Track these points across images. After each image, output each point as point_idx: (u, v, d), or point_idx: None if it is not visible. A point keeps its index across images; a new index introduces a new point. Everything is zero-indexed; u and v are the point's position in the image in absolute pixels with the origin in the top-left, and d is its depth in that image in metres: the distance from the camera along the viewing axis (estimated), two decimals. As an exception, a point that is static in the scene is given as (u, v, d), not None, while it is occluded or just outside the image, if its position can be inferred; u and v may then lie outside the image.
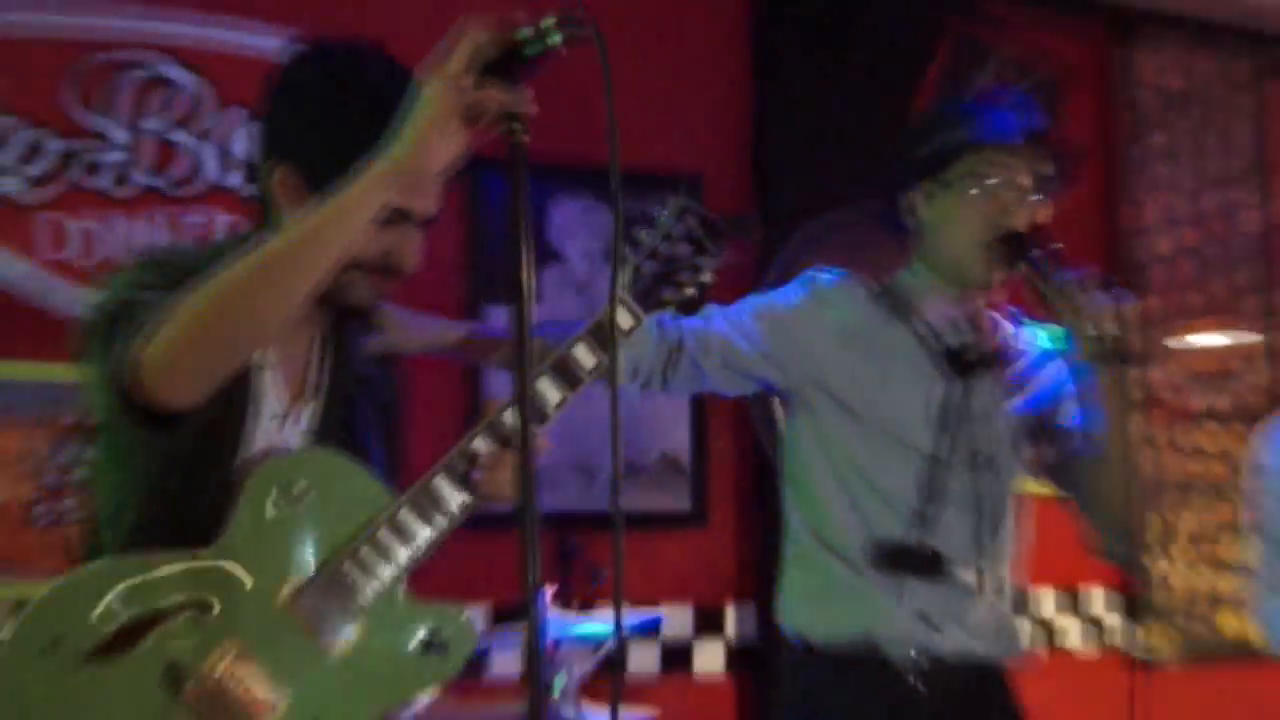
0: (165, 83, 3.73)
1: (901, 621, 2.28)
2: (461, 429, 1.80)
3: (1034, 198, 2.31)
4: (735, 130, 4.35)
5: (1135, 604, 4.87)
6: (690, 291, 1.93)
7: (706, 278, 1.95)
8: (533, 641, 1.42)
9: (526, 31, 1.47)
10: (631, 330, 1.88)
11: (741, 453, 4.18)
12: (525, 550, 1.40)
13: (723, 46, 4.43)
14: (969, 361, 2.34)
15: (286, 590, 1.69)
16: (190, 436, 1.62)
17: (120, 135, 3.67)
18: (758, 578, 4.04)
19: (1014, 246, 2.26)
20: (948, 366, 2.34)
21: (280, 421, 1.79)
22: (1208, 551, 5.02)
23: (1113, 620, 4.93)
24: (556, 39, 1.46)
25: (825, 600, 2.34)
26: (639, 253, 1.89)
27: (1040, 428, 2.42)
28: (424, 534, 1.73)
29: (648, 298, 1.89)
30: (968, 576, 2.33)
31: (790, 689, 2.39)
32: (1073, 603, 4.87)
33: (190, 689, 1.59)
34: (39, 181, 3.59)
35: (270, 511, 1.69)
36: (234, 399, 1.68)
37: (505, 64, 1.48)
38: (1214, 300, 5.15)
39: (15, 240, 3.57)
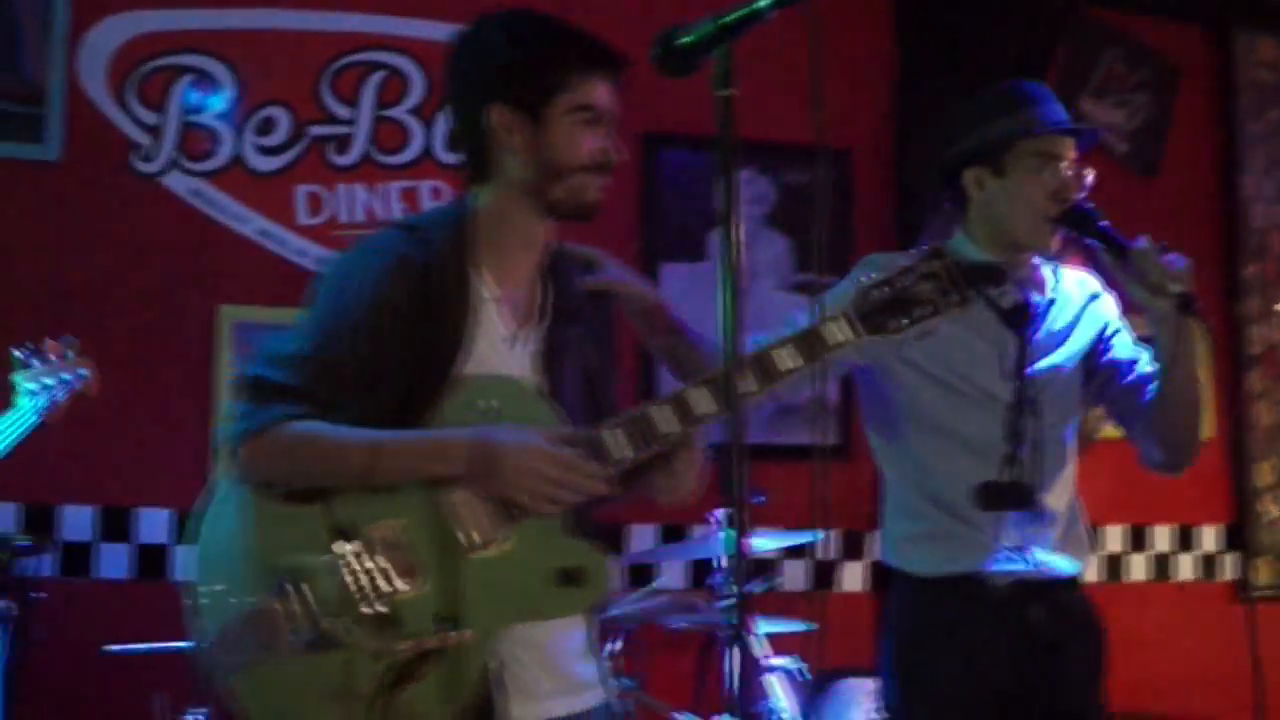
0: (398, 74, 4.38)
1: (999, 554, 2.52)
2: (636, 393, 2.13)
3: (1086, 174, 2.60)
4: (877, 103, 4.68)
5: (1245, 541, 5.21)
6: (923, 325, 1.93)
7: (943, 314, 1.93)
8: (738, 555, 1.71)
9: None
10: (840, 347, 1.92)
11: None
12: (737, 497, 1.65)
13: (866, 18, 4.74)
14: (1030, 316, 2.59)
15: (449, 491, 1.85)
16: (417, 365, 1.90)
17: (364, 120, 4.33)
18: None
19: (1082, 220, 2.52)
20: (1012, 322, 2.57)
21: (510, 343, 1.99)
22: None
23: (1223, 556, 5.25)
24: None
25: (929, 542, 2.57)
26: (872, 278, 1.94)
27: (1095, 367, 2.67)
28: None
29: (868, 320, 1.91)
30: (1048, 504, 2.57)
31: (899, 616, 2.63)
32: (1186, 539, 5.21)
33: (348, 548, 1.83)
34: (295, 159, 4.29)
35: (460, 419, 1.88)
36: (459, 327, 1.92)
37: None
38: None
39: (276, 207, 4.28)
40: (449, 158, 4.37)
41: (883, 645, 2.64)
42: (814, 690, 3.96)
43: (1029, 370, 2.57)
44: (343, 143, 4.31)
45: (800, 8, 1.73)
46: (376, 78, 4.33)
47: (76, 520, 4.07)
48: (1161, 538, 5.16)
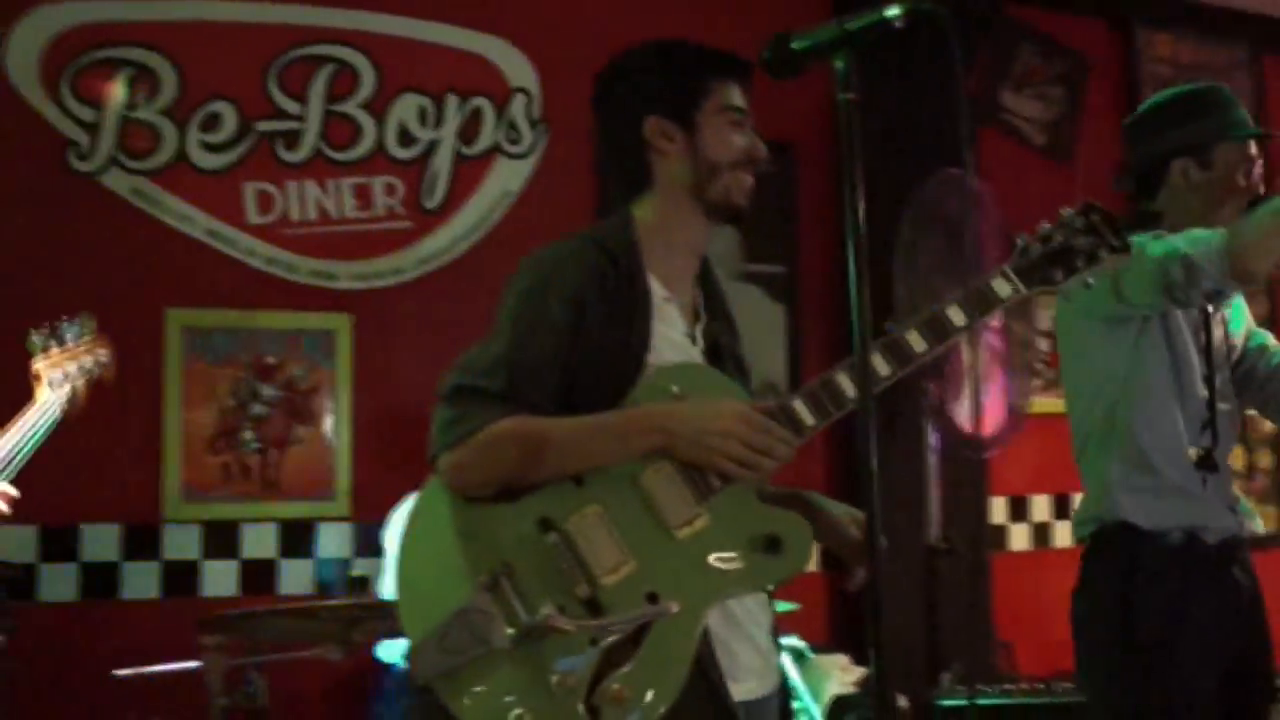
0: (348, 68, 4.29)
1: (1216, 512, 2.71)
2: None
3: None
4: (817, 96, 4.75)
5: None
6: (1084, 277, 2.04)
7: (1103, 269, 2.06)
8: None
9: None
10: (1007, 301, 2.02)
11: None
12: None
13: (805, 13, 4.88)
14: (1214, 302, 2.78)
15: (648, 472, 1.92)
16: (603, 366, 1.97)
17: (314, 116, 4.24)
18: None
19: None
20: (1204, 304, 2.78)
21: (691, 339, 2.10)
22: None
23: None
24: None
25: (1157, 496, 2.69)
26: (1032, 236, 2.05)
27: (1244, 351, 2.92)
28: None
29: (1031, 274, 2.02)
30: (1230, 466, 2.84)
31: (1118, 564, 2.70)
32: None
33: (551, 538, 1.89)
34: (243, 156, 4.17)
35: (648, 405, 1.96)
36: (646, 327, 2.00)
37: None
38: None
39: (223, 206, 4.15)
40: (402, 153, 4.34)
41: (1101, 597, 2.71)
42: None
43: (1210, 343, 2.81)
44: (292, 139, 4.21)
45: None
46: (326, 71, 4.25)
47: (16, 541, 3.83)
48: (1085, 506, 5.41)
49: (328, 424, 4.20)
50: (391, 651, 3.81)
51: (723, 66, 2.11)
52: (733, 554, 1.91)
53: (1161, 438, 2.71)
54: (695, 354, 2.09)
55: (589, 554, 1.89)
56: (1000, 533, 5.20)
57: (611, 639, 1.85)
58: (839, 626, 4.57)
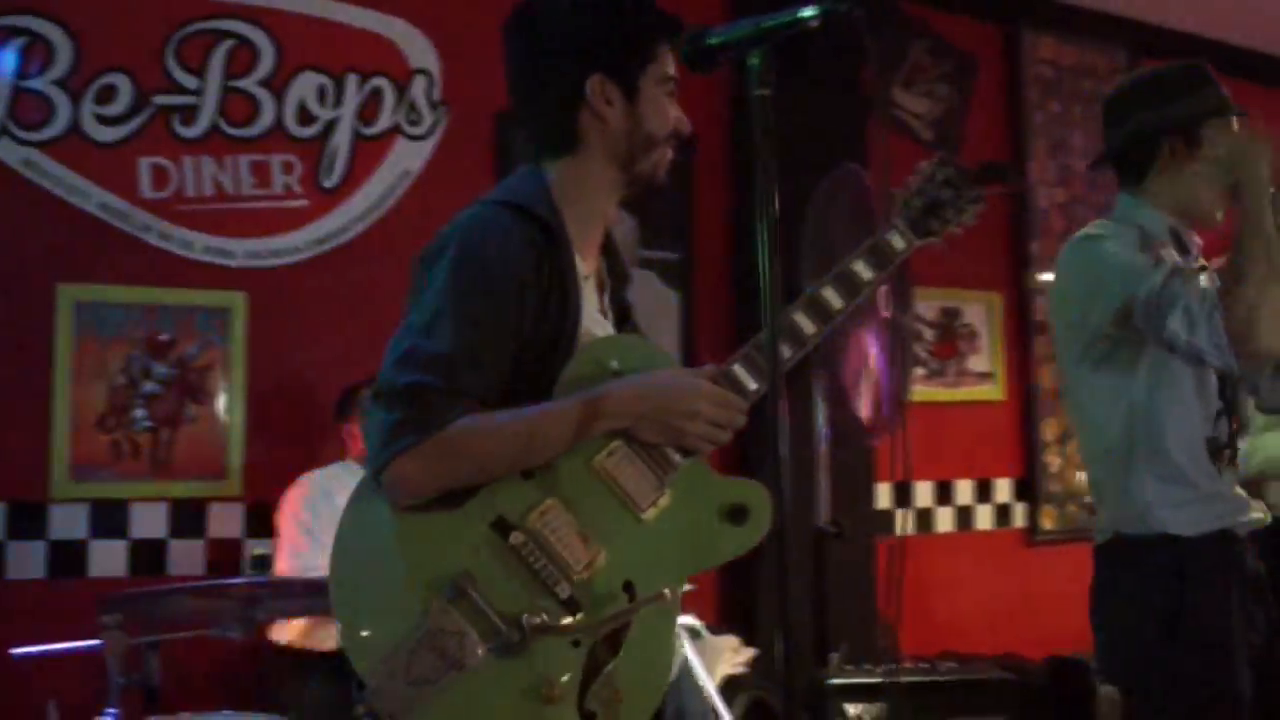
0: (247, 44, 4.24)
1: (1243, 507, 2.67)
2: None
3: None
4: (715, 87, 4.87)
5: (1033, 491, 5.74)
6: (954, 228, 2.13)
7: (968, 218, 2.14)
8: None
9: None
10: (903, 253, 2.08)
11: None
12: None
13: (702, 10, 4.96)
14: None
15: (602, 456, 1.83)
16: (539, 349, 1.85)
17: (211, 91, 4.18)
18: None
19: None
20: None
21: (603, 312, 2.02)
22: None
23: (1015, 505, 5.76)
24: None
25: (1190, 505, 2.63)
26: (907, 190, 2.13)
27: None
28: None
29: (917, 226, 2.09)
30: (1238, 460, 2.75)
31: (1161, 573, 2.62)
32: (985, 491, 5.68)
33: (514, 538, 1.75)
34: (138, 130, 4.10)
35: (593, 380, 1.84)
36: (575, 302, 1.87)
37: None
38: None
39: (117, 180, 4.08)
40: (301, 131, 4.30)
41: (1151, 605, 2.63)
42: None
43: None
44: (189, 114, 4.15)
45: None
46: (225, 47, 4.19)
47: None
48: (964, 491, 5.61)
49: (221, 403, 4.16)
50: (284, 632, 3.80)
51: (668, 28, 1.97)
52: (701, 527, 1.87)
53: (1192, 449, 2.66)
54: (609, 326, 2.01)
55: (557, 549, 1.77)
56: (885, 517, 5.32)
57: (595, 638, 1.76)
58: (728, 608, 4.66)
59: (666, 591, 1.81)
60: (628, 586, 1.81)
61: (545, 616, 1.73)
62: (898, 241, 2.08)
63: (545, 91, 1.96)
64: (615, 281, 2.09)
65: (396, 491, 1.75)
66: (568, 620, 1.76)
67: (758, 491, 1.89)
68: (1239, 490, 2.73)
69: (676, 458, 1.86)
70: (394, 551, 1.76)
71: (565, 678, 1.74)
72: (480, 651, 1.71)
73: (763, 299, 1.75)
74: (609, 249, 2.08)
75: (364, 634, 1.71)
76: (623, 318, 2.08)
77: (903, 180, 2.16)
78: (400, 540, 1.76)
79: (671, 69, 1.98)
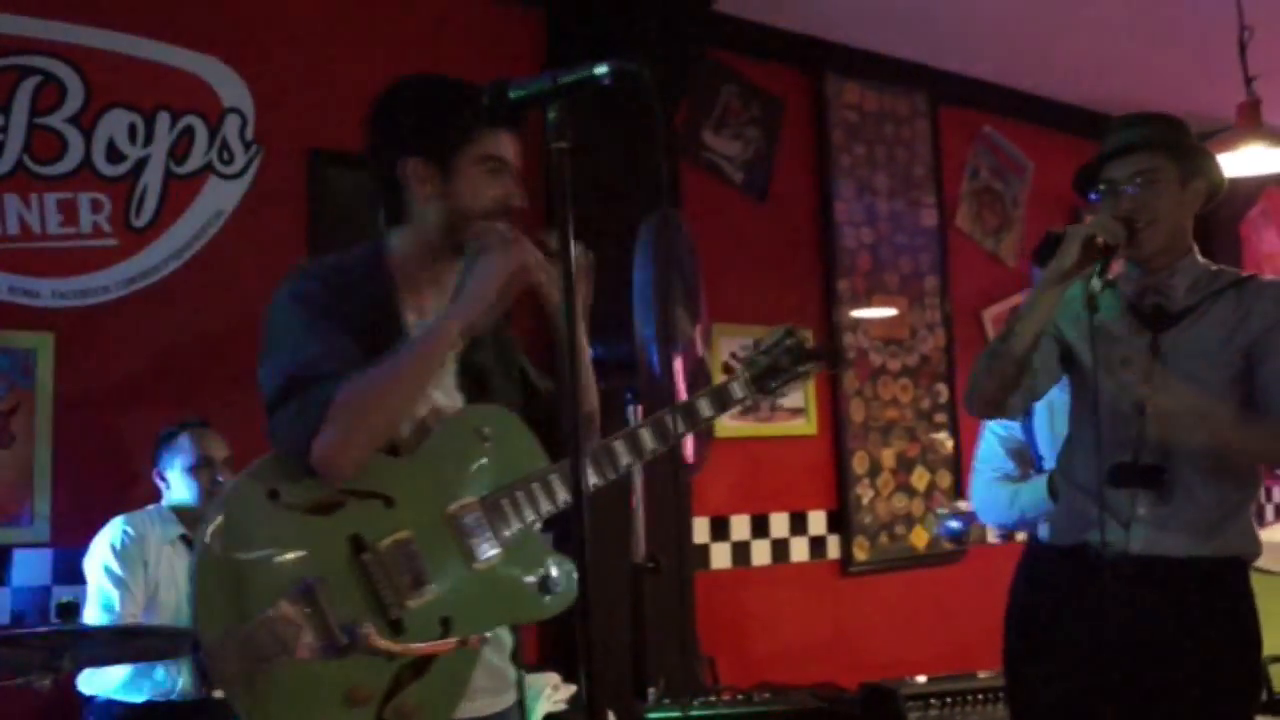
0: (54, 81, 4.15)
1: (1112, 527, 2.69)
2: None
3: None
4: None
5: (845, 523, 5.89)
6: (788, 390, 2.49)
7: (794, 387, 2.50)
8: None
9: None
10: (741, 401, 2.43)
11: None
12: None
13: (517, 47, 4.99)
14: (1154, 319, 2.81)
15: (455, 506, 2.08)
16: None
17: (17, 128, 4.08)
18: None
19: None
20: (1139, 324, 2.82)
21: (452, 376, 2.21)
22: (903, 480, 6.15)
23: (829, 537, 5.89)
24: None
25: (1059, 515, 2.94)
26: (757, 348, 2.46)
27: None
28: (562, 496, 2.14)
29: (758, 381, 2.43)
30: (1173, 484, 2.74)
31: (1022, 572, 3.01)
32: (799, 524, 5.80)
33: (365, 557, 1.98)
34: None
35: (461, 443, 2.13)
36: (389, 315, 2.14)
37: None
38: (902, 279, 6.22)
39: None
40: (110, 169, 4.23)
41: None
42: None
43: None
44: (-8, 151, 4.04)
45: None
46: (31, 83, 4.10)
47: None
48: (779, 524, 5.72)
49: (27, 446, 4.05)
50: (94, 683, 3.71)
51: (488, 114, 2.10)
52: (517, 589, 2.12)
53: (1076, 467, 2.92)
54: (450, 383, 2.19)
55: (397, 576, 2.00)
56: (703, 551, 5.43)
57: (406, 660, 1.97)
58: (548, 645, 4.70)
59: (474, 637, 2.04)
60: (445, 623, 2.03)
61: (373, 631, 1.94)
62: (738, 391, 2.42)
63: (375, 171, 2.21)
64: (474, 342, 2.22)
65: (331, 468, 1.98)
66: (389, 640, 1.96)
67: (570, 570, 2.15)
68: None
69: (513, 523, 2.11)
70: (263, 540, 1.96)
71: (372, 687, 1.96)
72: (310, 646, 1.92)
73: (560, 349, 1.97)
74: None
75: (215, 609, 1.91)
76: (479, 380, 2.25)
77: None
78: (268, 534, 1.97)
79: (494, 149, 2.16)
